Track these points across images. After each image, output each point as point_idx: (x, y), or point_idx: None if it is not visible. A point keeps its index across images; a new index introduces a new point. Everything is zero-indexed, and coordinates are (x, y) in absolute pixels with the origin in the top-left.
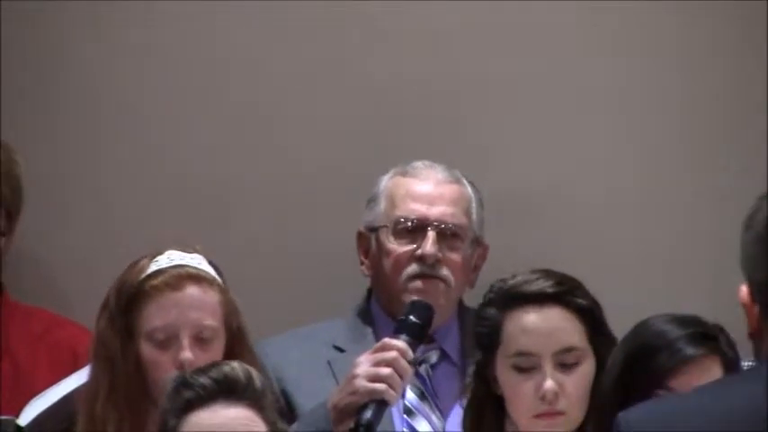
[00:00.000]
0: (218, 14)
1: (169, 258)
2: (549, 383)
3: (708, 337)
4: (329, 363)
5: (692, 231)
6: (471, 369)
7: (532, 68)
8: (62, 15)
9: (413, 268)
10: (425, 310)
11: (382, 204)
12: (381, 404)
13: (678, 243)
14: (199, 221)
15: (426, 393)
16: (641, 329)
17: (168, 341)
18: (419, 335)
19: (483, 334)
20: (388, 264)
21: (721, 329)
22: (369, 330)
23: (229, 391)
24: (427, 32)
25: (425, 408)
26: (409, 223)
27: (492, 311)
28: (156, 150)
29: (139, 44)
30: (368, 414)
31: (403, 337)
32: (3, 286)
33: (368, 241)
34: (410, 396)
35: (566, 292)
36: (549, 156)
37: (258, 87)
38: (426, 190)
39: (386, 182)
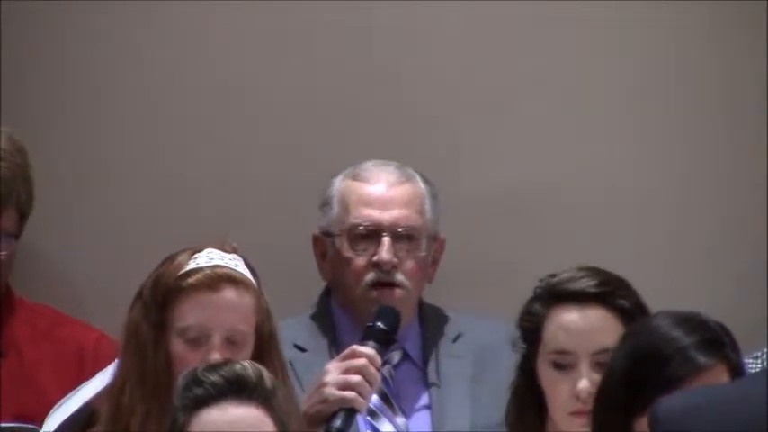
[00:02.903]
0: (218, 15)
1: (208, 257)
2: (583, 383)
3: (716, 342)
4: (290, 362)
5: (690, 230)
6: (517, 361)
7: (530, 67)
8: (62, 15)
9: (370, 277)
10: (392, 316)
11: (335, 209)
12: (351, 412)
13: (677, 241)
14: (204, 218)
15: (389, 394)
16: (646, 331)
17: (199, 340)
18: (386, 341)
19: (526, 328)
20: (346, 272)
21: (726, 331)
22: (329, 329)
23: (239, 389)
24: (423, 29)
25: (388, 410)
26: (363, 229)
27: (536, 307)
28: (160, 149)
29: (140, 44)
30: (338, 422)
31: (370, 343)
32: (8, 284)
33: (324, 245)
34: (373, 398)
35: (608, 293)
36: (546, 155)
37: (252, 86)
38: (378, 193)
39: (337, 185)
